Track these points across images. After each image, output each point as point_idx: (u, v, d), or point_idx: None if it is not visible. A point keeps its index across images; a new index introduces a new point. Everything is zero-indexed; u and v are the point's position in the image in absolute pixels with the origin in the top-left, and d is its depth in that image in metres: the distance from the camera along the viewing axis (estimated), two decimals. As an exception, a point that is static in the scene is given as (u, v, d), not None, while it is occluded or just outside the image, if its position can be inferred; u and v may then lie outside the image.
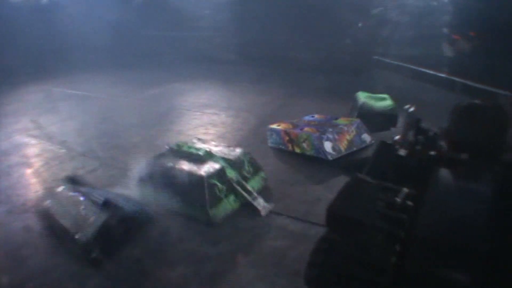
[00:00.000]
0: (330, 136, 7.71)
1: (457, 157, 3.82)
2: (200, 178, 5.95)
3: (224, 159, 6.60)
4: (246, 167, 6.71)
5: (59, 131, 9.68)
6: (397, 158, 4.27)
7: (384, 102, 10.14)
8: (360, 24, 16.04)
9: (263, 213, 6.05)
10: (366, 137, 8.19)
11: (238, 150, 6.94)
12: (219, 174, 6.15)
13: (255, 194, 6.31)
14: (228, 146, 7.17)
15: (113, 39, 17.89)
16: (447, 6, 13.52)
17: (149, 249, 5.35)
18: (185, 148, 6.92)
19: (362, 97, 10.22)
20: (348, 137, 7.90)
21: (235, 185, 6.27)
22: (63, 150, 8.52)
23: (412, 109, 5.78)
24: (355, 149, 7.87)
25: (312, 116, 9.07)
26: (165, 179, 6.33)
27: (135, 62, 16.89)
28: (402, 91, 12.07)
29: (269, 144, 8.54)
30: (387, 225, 3.31)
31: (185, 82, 14.47)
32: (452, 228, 2.96)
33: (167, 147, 7.14)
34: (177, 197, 6.14)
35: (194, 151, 6.74)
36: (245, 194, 6.23)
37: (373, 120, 9.27)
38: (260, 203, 6.19)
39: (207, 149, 6.76)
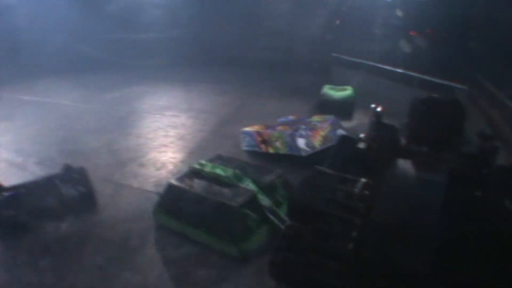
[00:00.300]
0: (303, 132, 7.71)
1: (416, 150, 3.95)
2: (230, 207, 5.18)
3: (255, 183, 5.75)
4: (280, 191, 5.88)
5: (15, 139, 9.45)
6: (357, 151, 4.35)
7: (344, 92, 11.17)
8: (337, 22, 16.21)
9: None
10: (342, 132, 8.05)
11: (269, 171, 6.15)
12: (251, 202, 5.34)
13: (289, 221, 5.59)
14: (259, 167, 6.41)
15: (70, 42, 17.59)
16: (404, 3, 13.80)
17: (112, 256, 5.31)
18: (209, 169, 6.04)
19: (326, 88, 11.29)
20: (322, 133, 7.88)
21: (268, 214, 5.41)
22: (20, 159, 8.33)
23: (379, 108, 5.90)
24: (330, 145, 7.68)
25: (286, 118, 9.08)
26: (187, 206, 5.57)
27: (93, 65, 16.64)
28: (361, 88, 12.28)
29: (243, 148, 8.45)
30: (346, 214, 3.43)
31: (144, 84, 14.36)
32: (407, 215, 3.09)
33: (188, 166, 6.41)
34: (201, 227, 5.38)
35: (220, 172, 5.90)
36: (279, 223, 5.34)
37: (332, 108, 10.40)
38: None
39: (236, 171, 5.91)
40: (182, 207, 5.60)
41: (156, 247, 5.45)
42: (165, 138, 9.18)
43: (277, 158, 7.84)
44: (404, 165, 3.72)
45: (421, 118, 4.11)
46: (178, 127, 9.98)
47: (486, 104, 9.10)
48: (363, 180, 3.58)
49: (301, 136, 7.62)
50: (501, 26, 10.01)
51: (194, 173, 6.07)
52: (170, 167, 7.74)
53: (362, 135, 5.23)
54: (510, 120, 7.40)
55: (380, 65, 13.53)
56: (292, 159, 7.62)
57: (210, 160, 6.48)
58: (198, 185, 5.74)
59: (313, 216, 3.54)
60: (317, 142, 7.69)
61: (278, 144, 7.81)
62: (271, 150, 7.95)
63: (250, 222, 5.22)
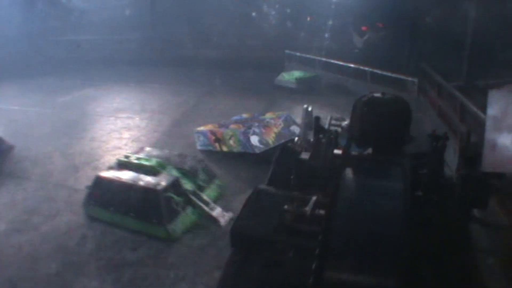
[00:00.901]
0: (256, 130, 7.79)
1: (362, 154, 3.72)
2: (155, 192, 5.64)
3: (178, 169, 6.34)
4: (201, 176, 6.48)
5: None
6: (300, 162, 4.01)
7: (294, 75, 13.01)
8: (308, 18, 16.33)
9: (222, 222, 5.81)
10: (296, 128, 8.20)
11: (191, 158, 6.79)
12: (175, 186, 5.85)
13: (212, 204, 6.04)
14: (180, 154, 6.97)
15: (19, 45, 17.20)
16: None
17: (68, 261, 5.26)
18: (134, 160, 6.47)
19: (284, 73, 13.25)
20: (275, 130, 7.99)
21: (191, 196, 5.97)
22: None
23: (310, 108, 5.92)
24: (283, 141, 7.73)
25: (240, 116, 9.12)
26: (116, 195, 5.93)
27: (44, 68, 16.30)
28: (314, 83, 12.49)
29: (198, 147, 8.45)
30: (298, 239, 3.07)
31: (97, 87, 14.15)
32: (366, 233, 2.77)
33: (115, 160, 6.83)
34: (130, 213, 5.75)
35: (145, 162, 6.35)
36: (202, 205, 5.93)
37: (285, 88, 12.55)
38: (219, 213, 5.93)
39: (159, 160, 6.42)
40: (111, 197, 5.96)
41: (113, 251, 5.42)
42: (119, 140, 9.12)
43: (232, 155, 7.90)
44: (353, 175, 3.33)
45: (364, 119, 3.77)
46: (132, 129, 9.92)
47: (435, 94, 9.41)
48: (314, 197, 3.21)
49: (254, 133, 7.72)
50: (448, 21, 10.36)
51: (121, 165, 6.49)
52: (125, 169, 7.70)
53: (296, 139, 5.16)
54: (457, 108, 7.70)
55: (332, 61, 13.81)
56: (246, 156, 7.70)
57: (135, 152, 7.03)
58: (125, 175, 6.12)
59: (261, 245, 3.14)
60: (270, 139, 7.80)
61: (231, 142, 7.88)
62: (225, 149, 8.01)
63: (175, 205, 5.70)
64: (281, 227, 3.13)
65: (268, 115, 8.69)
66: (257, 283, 3.05)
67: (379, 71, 12.05)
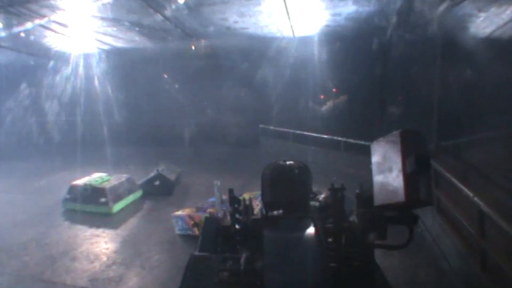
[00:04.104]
0: None
1: (275, 215, 4.07)
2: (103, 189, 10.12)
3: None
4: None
5: None
6: (223, 229, 4.54)
7: None
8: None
9: None
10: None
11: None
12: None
13: None
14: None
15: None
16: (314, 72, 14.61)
17: None
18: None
19: None
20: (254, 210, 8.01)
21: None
22: None
23: (219, 183, 6.20)
24: None
25: (215, 197, 9.13)
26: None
27: (16, 150, 16.23)
28: (289, 156, 12.62)
29: (177, 232, 8.44)
30: None
31: (72, 170, 14.04)
32: (294, 280, 3.22)
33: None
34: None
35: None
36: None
37: None
38: None
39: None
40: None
41: None
42: (96, 227, 9.02)
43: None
44: (271, 232, 3.76)
45: (271, 185, 4.31)
46: (109, 215, 9.83)
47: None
48: (245, 254, 3.71)
49: None
50: (415, 85, 10.76)
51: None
52: (104, 258, 7.59)
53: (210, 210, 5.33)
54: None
55: (305, 133, 14.14)
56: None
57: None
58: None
59: None
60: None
61: None
62: None
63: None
64: (220, 285, 3.57)
65: (246, 196, 8.72)
66: None
67: (352, 140, 12.36)
